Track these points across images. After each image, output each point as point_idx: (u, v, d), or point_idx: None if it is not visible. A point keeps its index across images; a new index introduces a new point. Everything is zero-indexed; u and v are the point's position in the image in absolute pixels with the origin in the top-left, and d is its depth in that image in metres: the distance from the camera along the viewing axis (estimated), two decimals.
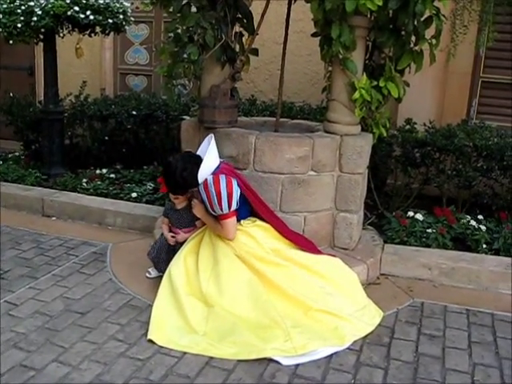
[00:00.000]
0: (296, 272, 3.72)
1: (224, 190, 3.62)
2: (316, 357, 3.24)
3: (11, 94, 7.15)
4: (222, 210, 3.65)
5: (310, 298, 3.59)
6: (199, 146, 4.03)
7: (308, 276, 3.73)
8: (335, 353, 3.31)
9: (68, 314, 3.67)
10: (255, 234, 3.82)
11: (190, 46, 4.18)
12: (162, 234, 4.21)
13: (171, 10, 4.34)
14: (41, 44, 6.31)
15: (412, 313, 3.88)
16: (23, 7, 5.73)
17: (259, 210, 3.90)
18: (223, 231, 3.74)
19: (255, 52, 4.59)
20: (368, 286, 4.19)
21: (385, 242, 4.70)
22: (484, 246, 4.66)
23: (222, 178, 3.66)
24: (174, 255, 3.90)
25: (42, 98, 6.58)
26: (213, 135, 3.91)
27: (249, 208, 3.89)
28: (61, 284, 4.11)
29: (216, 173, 3.72)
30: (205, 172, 3.70)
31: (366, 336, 3.51)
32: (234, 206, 3.67)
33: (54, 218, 5.63)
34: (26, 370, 3.05)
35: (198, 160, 3.76)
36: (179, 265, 3.79)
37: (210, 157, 3.75)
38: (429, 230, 4.76)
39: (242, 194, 3.77)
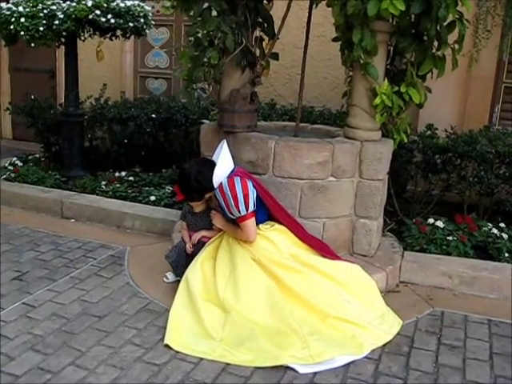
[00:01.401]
0: (314, 278, 3.68)
1: (240, 192, 3.62)
2: (333, 365, 3.21)
3: (32, 97, 7.20)
4: (239, 211, 3.64)
5: (327, 305, 3.55)
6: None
7: (326, 282, 3.69)
8: (353, 362, 3.26)
9: (85, 317, 3.67)
10: (274, 238, 3.79)
11: (211, 50, 4.16)
12: (182, 240, 4.20)
13: (192, 13, 4.33)
14: (62, 47, 6.34)
15: (432, 322, 3.82)
16: (45, 11, 5.77)
17: (277, 213, 3.87)
18: (243, 234, 3.72)
19: (275, 56, 4.56)
20: (387, 293, 4.14)
21: (404, 249, 4.64)
22: (506, 254, 4.57)
23: (237, 180, 3.67)
24: (192, 260, 3.89)
25: (63, 100, 6.61)
26: (225, 141, 3.94)
27: (266, 212, 3.88)
28: (78, 287, 4.12)
29: (231, 176, 3.73)
30: (219, 175, 3.72)
31: (384, 345, 3.46)
32: (251, 207, 3.65)
33: (72, 220, 5.65)
34: (42, 372, 3.05)
35: (213, 164, 3.79)
36: (196, 270, 3.78)
37: (223, 160, 3.77)
38: (449, 238, 4.69)
39: (258, 198, 3.76)
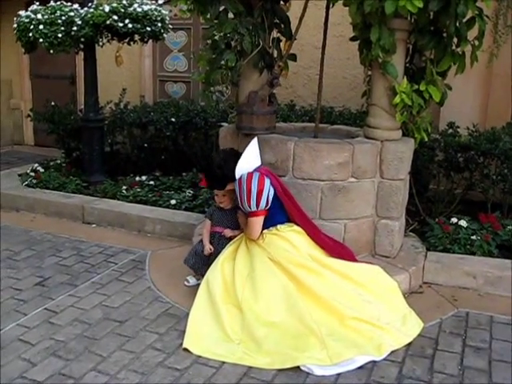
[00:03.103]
0: (333, 279, 3.65)
1: (255, 188, 3.64)
2: (351, 367, 3.17)
3: (53, 103, 7.26)
4: (250, 207, 3.68)
5: (346, 306, 3.51)
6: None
7: (345, 283, 3.65)
8: (376, 364, 3.22)
9: (107, 323, 3.67)
10: (292, 239, 3.78)
11: (228, 52, 4.15)
12: (200, 241, 4.20)
13: (208, 16, 4.32)
14: (81, 53, 6.39)
15: (456, 323, 3.76)
16: (63, 17, 5.85)
17: (294, 215, 3.86)
18: (247, 229, 3.77)
19: (293, 57, 4.54)
20: (410, 294, 4.09)
21: (427, 249, 4.58)
22: None
23: (256, 175, 3.69)
24: (213, 259, 3.90)
25: (83, 106, 6.66)
26: (256, 137, 3.99)
27: (286, 213, 3.86)
28: (100, 292, 4.13)
29: (252, 171, 3.74)
30: (242, 168, 3.75)
31: (407, 347, 3.41)
32: (262, 205, 3.67)
33: (93, 225, 5.68)
34: (64, 378, 3.06)
35: (239, 157, 3.83)
36: (216, 271, 3.77)
37: (248, 154, 3.81)
38: (473, 237, 4.62)
39: (278, 199, 3.75)
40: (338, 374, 3.13)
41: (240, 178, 3.72)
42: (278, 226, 3.80)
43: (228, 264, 3.82)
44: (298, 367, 3.17)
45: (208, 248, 4.06)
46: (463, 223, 4.76)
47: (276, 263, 3.66)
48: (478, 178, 5.30)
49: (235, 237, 4.01)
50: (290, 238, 3.78)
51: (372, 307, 3.55)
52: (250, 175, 3.70)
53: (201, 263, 4.10)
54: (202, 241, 4.19)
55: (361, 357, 3.24)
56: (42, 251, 4.91)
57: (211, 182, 4.05)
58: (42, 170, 6.88)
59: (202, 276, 3.94)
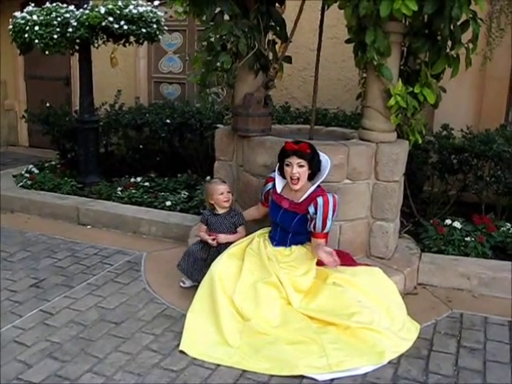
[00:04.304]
0: (334, 289, 3.64)
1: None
2: (353, 373, 3.16)
3: (48, 104, 7.25)
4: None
5: (347, 316, 3.47)
6: (234, 154, 3.99)
7: (344, 289, 3.62)
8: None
9: (102, 324, 3.68)
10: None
11: (223, 54, 4.17)
12: (193, 244, 4.21)
13: (204, 18, 4.34)
14: (76, 54, 6.38)
15: (451, 324, 3.78)
16: (59, 19, 5.84)
17: None
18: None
19: (289, 59, 4.56)
20: (405, 296, 4.09)
21: (422, 250, 4.61)
22: None
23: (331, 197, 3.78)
24: (205, 265, 3.88)
25: (78, 107, 6.65)
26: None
27: None
28: (96, 293, 4.13)
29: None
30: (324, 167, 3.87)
31: None
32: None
33: (89, 227, 5.68)
34: (60, 380, 3.06)
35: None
36: (221, 261, 3.75)
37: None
38: (467, 239, 4.64)
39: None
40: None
41: (326, 199, 3.74)
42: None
43: (234, 259, 3.80)
44: None
45: (211, 239, 4.06)
46: (457, 225, 4.78)
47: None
48: (472, 180, 5.33)
49: (232, 242, 4.00)
50: None
51: (372, 312, 3.51)
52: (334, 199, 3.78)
53: (194, 268, 4.10)
54: (196, 243, 4.20)
55: (364, 366, 3.21)
56: (37, 252, 4.91)
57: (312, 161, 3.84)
58: (36, 171, 6.87)
59: (196, 282, 3.93)
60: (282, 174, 3.89)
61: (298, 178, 3.74)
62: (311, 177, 3.84)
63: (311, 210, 3.74)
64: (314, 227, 3.75)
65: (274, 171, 3.98)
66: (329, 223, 3.74)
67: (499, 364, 3.30)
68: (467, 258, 4.51)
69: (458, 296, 4.21)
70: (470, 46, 4.07)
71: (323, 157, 3.89)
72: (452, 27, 3.92)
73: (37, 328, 3.60)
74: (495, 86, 6.05)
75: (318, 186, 3.83)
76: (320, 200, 3.73)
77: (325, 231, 3.76)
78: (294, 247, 3.86)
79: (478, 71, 5.60)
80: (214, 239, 4.06)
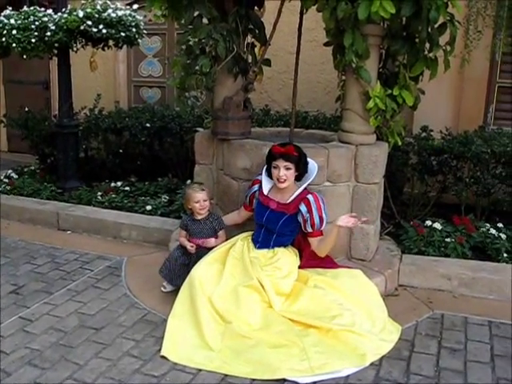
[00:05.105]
0: (315, 291, 3.65)
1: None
2: (335, 375, 3.16)
3: (26, 109, 7.18)
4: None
5: (328, 319, 3.47)
6: (214, 158, 3.99)
7: (325, 292, 3.63)
8: None
9: (83, 330, 3.64)
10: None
11: (202, 57, 4.16)
12: (174, 249, 4.19)
13: (183, 22, 4.32)
14: (55, 58, 6.34)
15: (432, 325, 3.80)
16: (37, 23, 5.80)
17: None
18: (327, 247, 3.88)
19: (268, 62, 4.56)
20: (386, 297, 4.09)
21: (402, 252, 4.63)
22: (505, 255, 4.55)
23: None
24: (187, 270, 3.85)
25: (57, 111, 6.60)
26: None
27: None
28: (76, 299, 4.09)
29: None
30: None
31: None
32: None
33: (69, 232, 5.63)
34: None
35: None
36: (201, 265, 3.73)
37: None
38: (447, 240, 4.67)
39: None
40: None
41: (316, 197, 3.82)
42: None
43: (215, 263, 3.78)
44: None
45: (189, 246, 4.05)
46: (437, 226, 4.81)
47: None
48: (452, 181, 5.38)
49: (213, 247, 4.00)
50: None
51: (352, 314, 3.52)
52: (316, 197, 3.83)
53: (175, 273, 4.07)
54: (177, 248, 4.18)
55: (345, 369, 3.21)
56: (17, 258, 4.85)
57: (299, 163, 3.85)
58: (15, 177, 6.81)
59: (177, 286, 3.91)
60: (270, 176, 3.90)
61: (285, 180, 3.77)
62: (299, 178, 3.86)
63: (303, 209, 3.77)
64: (313, 226, 3.78)
65: (261, 174, 3.99)
66: (325, 217, 3.80)
67: (480, 364, 3.32)
68: (447, 258, 4.53)
69: (439, 297, 4.23)
70: (448, 48, 4.10)
71: (310, 161, 3.92)
72: (430, 29, 3.95)
73: (16, 335, 3.55)
74: (473, 87, 6.11)
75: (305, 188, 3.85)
76: (310, 197, 3.79)
77: (323, 226, 3.81)
78: (276, 249, 3.86)
79: (457, 73, 5.64)
80: (192, 246, 4.05)
